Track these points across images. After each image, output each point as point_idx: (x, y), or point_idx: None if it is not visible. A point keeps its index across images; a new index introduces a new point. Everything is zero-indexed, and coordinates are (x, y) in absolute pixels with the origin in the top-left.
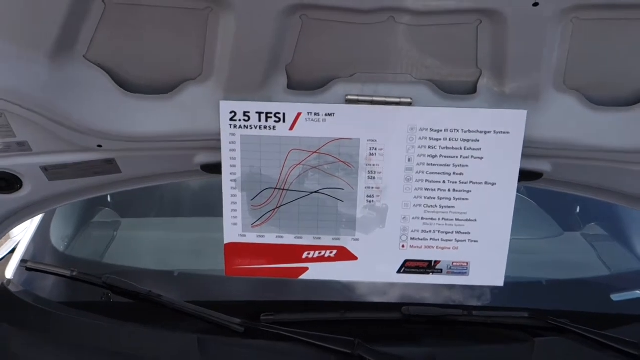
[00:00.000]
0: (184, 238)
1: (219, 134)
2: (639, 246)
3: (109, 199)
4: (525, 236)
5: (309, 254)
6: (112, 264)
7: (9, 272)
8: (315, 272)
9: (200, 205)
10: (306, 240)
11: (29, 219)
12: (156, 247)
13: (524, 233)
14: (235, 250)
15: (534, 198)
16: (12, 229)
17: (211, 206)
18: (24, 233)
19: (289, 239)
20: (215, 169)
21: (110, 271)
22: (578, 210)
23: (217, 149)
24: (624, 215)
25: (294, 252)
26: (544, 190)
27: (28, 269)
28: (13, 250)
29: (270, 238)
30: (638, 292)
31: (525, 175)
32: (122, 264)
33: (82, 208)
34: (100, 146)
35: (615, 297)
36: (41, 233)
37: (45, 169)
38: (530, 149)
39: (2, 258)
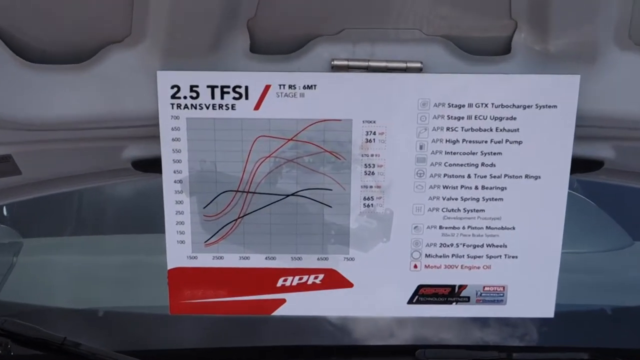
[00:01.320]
0: (112, 263)
1: (156, 117)
2: None
3: (4, 212)
4: (582, 249)
5: (285, 280)
6: (11, 302)
7: None
8: (295, 305)
9: (133, 218)
10: (282, 261)
11: None
12: (73, 277)
13: (580, 244)
14: (183, 278)
15: (593, 196)
16: None
17: (148, 218)
18: None
19: (257, 261)
20: (152, 166)
21: (8, 312)
22: None
23: (155, 137)
24: None
25: (265, 279)
26: (605, 185)
27: None
28: None
29: (232, 260)
30: None
31: (580, 165)
32: (25, 301)
33: None
34: None
35: None
36: None
37: None
38: (585, 128)
39: None
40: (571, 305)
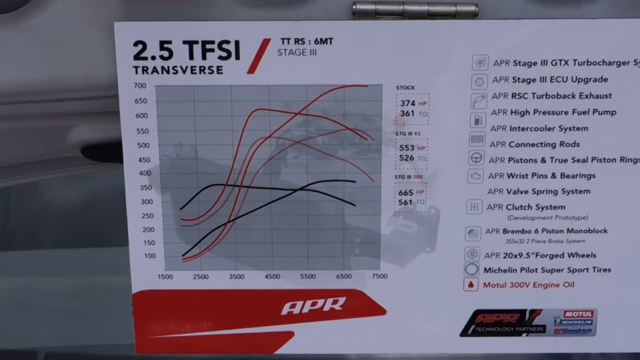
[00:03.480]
0: (55, 287)
1: (114, 86)
2: None
3: None
4: None
5: (293, 306)
6: None
7: None
8: (307, 340)
9: (83, 226)
10: (288, 280)
11: None
12: (5, 306)
13: None
14: (154, 305)
15: None
16: None
17: (104, 225)
18: None
19: (255, 280)
20: (109, 152)
21: None
22: None
23: (112, 114)
24: None
25: (265, 305)
26: None
27: None
28: None
29: (220, 279)
30: None
31: None
32: None
33: None
34: None
35: None
36: None
37: None
38: None
39: None
40: None
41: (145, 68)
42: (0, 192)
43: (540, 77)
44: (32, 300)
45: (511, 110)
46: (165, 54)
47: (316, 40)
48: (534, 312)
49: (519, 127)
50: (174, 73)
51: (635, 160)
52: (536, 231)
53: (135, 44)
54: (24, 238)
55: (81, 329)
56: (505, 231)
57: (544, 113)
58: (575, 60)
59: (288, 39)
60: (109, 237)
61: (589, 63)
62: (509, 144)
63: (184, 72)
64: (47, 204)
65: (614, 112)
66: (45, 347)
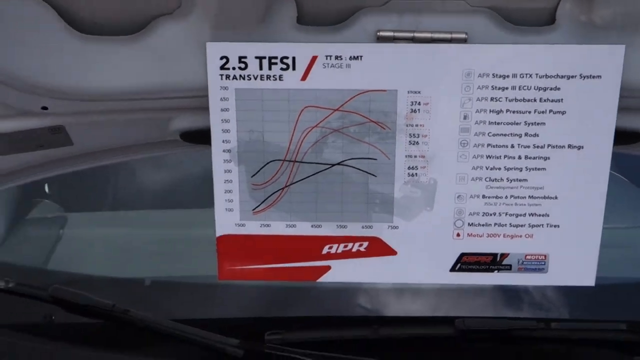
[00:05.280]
0: (158, 235)
1: (205, 89)
2: None
3: (46, 189)
4: (621, 224)
5: (330, 248)
6: (60, 271)
7: None
8: (340, 272)
9: (181, 192)
10: (327, 229)
11: None
12: (119, 248)
13: (620, 219)
14: (231, 245)
15: (627, 173)
16: None
17: (195, 192)
18: None
19: (303, 229)
20: (200, 137)
21: (58, 280)
22: None
23: (204, 109)
24: None
25: (310, 246)
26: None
27: None
28: None
29: (279, 227)
30: None
31: (622, 137)
32: (73, 270)
33: (11, 200)
34: (45, 108)
35: None
36: None
37: None
38: (629, 99)
39: None
40: (611, 277)
41: (227, 76)
42: (107, 171)
43: (511, 86)
44: (141, 245)
45: (490, 109)
46: (242, 65)
47: (350, 57)
48: (503, 255)
49: (495, 122)
50: (248, 80)
51: (579, 147)
52: (506, 197)
53: (221, 58)
54: (131, 200)
55: (178, 263)
56: (483, 197)
57: (514, 112)
58: (536, 74)
59: (330, 56)
60: (199, 200)
61: (547, 76)
62: (488, 134)
63: (255, 79)
64: (150, 175)
65: (564, 112)
66: (150, 276)
